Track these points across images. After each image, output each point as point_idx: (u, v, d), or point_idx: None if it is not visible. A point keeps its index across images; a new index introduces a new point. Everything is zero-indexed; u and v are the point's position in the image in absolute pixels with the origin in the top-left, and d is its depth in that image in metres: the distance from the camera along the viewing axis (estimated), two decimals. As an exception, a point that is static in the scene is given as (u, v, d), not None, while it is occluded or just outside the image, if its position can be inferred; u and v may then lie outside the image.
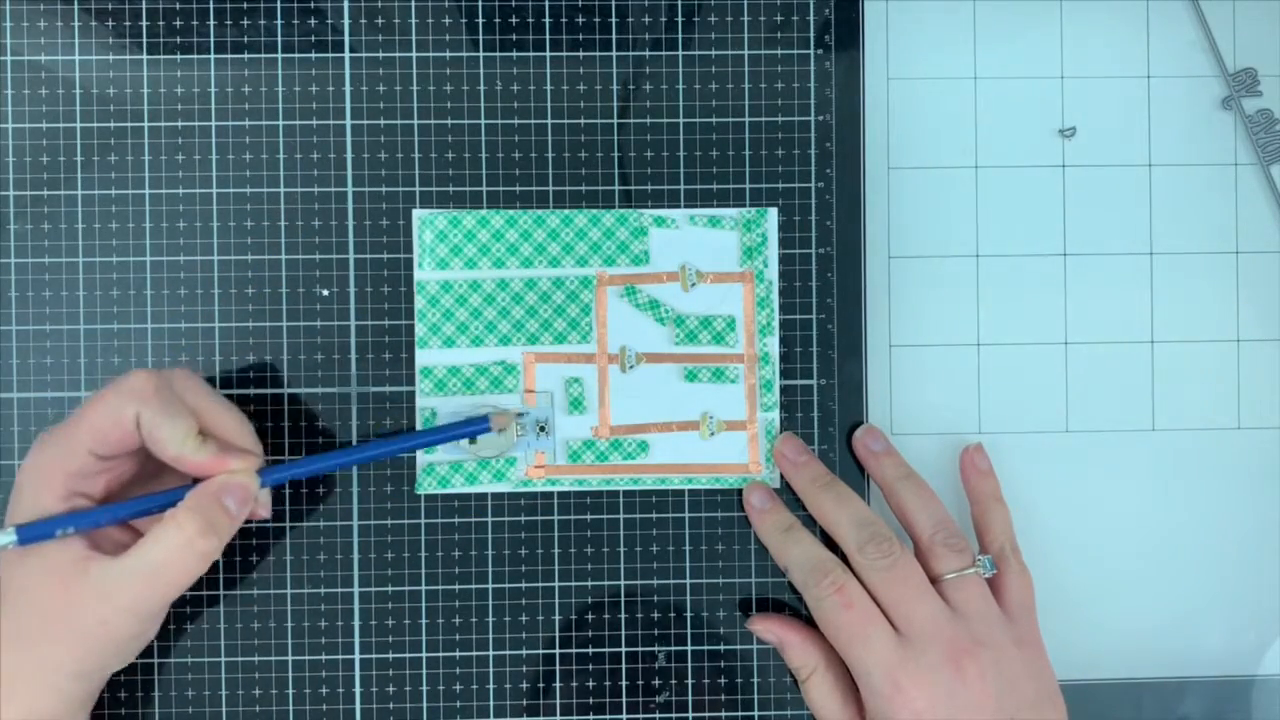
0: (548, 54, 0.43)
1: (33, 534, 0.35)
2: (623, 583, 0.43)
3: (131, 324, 0.42)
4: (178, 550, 0.35)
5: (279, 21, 0.43)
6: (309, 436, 0.42)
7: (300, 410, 0.42)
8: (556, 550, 0.43)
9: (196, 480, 0.37)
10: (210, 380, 0.42)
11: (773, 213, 0.43)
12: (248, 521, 0.38)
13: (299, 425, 0.42)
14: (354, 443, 0.42)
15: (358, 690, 0.42)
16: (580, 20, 0.43)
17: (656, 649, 0.43)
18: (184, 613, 0.42)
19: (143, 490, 0.39)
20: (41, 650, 0.35)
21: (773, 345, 0.43)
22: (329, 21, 0.43)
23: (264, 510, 0.38)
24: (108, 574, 0.35)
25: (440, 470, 0.42)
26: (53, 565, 0.35)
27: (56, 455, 0.36)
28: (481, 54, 0.43)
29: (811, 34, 0.43)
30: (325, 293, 0.42)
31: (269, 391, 0.42)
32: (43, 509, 0.36)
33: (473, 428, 0.40)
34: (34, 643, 0.35)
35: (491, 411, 0.41)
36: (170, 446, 0.36)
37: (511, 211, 0.43)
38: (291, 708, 0.42)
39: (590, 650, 0.43)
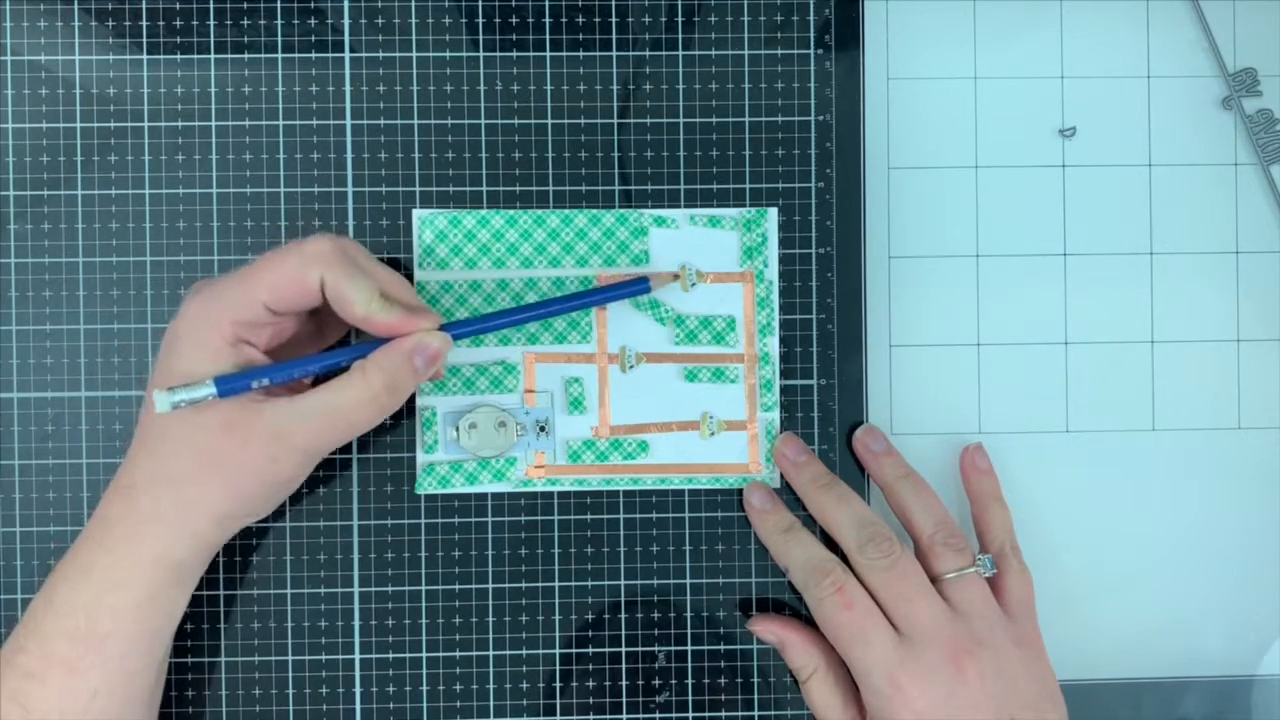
0: (548, 54, 0.43)
1: (230, 386, 0.36)
2: (623, 583, 0.43)
3: (131, 324, 0.42)
4: (361, 402, 0.36)
5: (279, 21, 0.43)
6: (309, 436, 0.42)
7: (300, 410, 0.42)
8: (556, 550, 0.43)
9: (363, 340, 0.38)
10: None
11: (773, 213, 0.43)
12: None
13: (299, 425, 0.42)
14: (354, 443, 0.42)
15: (358, 690, 0.42)
16: (580, 20, 0.43)
17: (656, 649, 0.43)
18: (184, 613, 0.42)
19: (304, 345, 0.40)
20: (188, 492, 0.36)
21: (773, 345, 0.43)
22: (329, 21, 0.43)
23: (444, 370, 0.40)
24: (284, 414, 0.36)
25: (440, 470, 0.42)
26: (220, 408, 0.36)
27: (227, 305, 0.36)
28: (481, 54, 0.43)
29: (811, 34, 0.43)
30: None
31: (269, 391, 0.42)
32: (210, 355, 0.36)
33: (634, 288, 0.41)
34: (181, 484, 0.36)
35: (651, 272, 0.42)
36: (358, 308, 0.36)
37: (511, 211, 0.43)
38: (291, 708, 0.42)
39: (590, 650, 0.43)
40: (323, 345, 0.41)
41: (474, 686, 0.42)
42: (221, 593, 0.42)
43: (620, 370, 0.43)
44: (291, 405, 0.36)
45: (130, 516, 0.36)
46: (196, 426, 0.36)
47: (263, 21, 0.43)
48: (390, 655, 0.42)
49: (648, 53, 0.43)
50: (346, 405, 0.36)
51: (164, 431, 0.36)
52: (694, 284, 0.43)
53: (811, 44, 0.43)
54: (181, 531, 0.37)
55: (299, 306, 0.37)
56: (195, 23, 0.42)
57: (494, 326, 0.40)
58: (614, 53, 0.43)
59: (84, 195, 0.42)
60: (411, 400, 0.42)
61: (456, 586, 0.42)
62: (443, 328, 0.38)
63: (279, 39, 0.43)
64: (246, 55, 0.42)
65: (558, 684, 0.42)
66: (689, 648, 0.43)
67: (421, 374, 0.37)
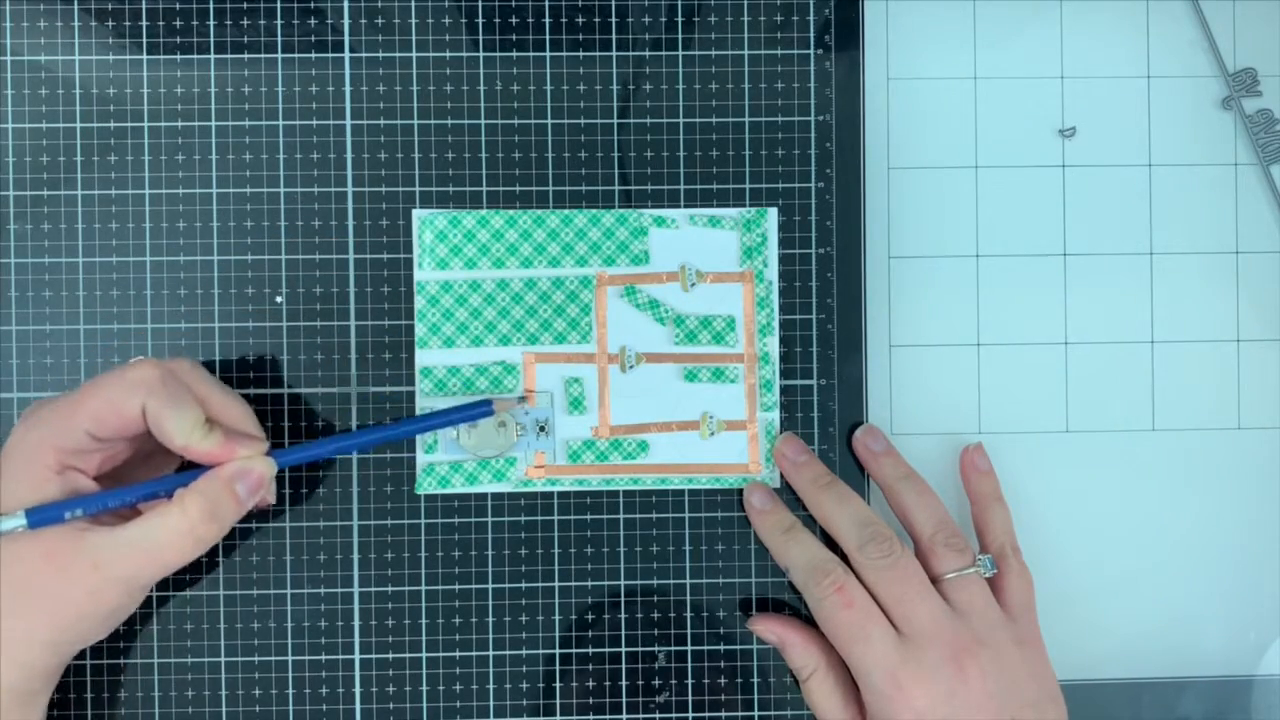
0: (548, 54, 0.43)
1: (42, 517, 0.35)
2: (623, 583, 0.43)
3: (131, 324, 0.42)
4: (179, 534, 0.35)
5: (279, 21, 0.43)
6: (309, 437, 0.42)
7: (300, 410, 0.42)
8: (556, 550, 0.43)
9: (196, 465, 0.37)
10: (210, 380, 0.42)
11: (773, 213, 0.43)
12: (251, 512, 0.38)
13: (299, 425, 0.42)
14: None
15: (358, 690, 0.42)
16: (580, 20, 0.43)
17: (656, 649, 0.43)
18: (184, 613, 0.42)
19: (139, 467, 0.39)
20: (13, 622, 0.35)
21: (773, 345, 0.43)
22: (329, 21, 0.43)
23: (271, 496, 0.39)
24: (104, 545, 0.35)
25: (440, 470, 0.42)
26: (44, 536, 0.35)
27: (50, 434, 0.36)
28: (481, 54, 0.43)
29: (811, 34, 0.43)
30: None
31: (269, 391, 0.42)
32: (33, 483, 0.35)
33: (476, 411, 0.40)
34: (8, 614, 0.35)
35: (495, 396, 0.41)
36: (178, 437, 0.36)
37: (511, 211, 0.43)
38: (291, 708, 0.42)
39: (590, 650, 0.43)
40: (165, 465, 0.40)
41: (474, 686, 0.42)
42: (221, 593, 0.42)
43: (620, 370, 0.43)
44: (111, 536, 0.35)
45: None
46: (16, 557, 0.35)
47: (263, 21, 0.43)
48: (390, 655, 0.42)
49: (648, 53, 0.43)
50: (163, 537, 0.35)
51: None
52: (694, 284, 0.43)
53: (811, 44, 0.43)
54: (10, 661, 0.35)
55: (123, 434, 0.36)
56: (195, 23, 0.42)
57: (326, 454, 0.39)
58: (614, 53, 0.43)
59: (84, 195, 0.42)
60: (411, 401, 0.42)
61: (456, 586, 0.42)
62: (270, 453, 0.37)
63: (279, 39, 0.43)
64: (246, 55, 0.42)
65: (557, 684, 0.42)
66: (689, 648, 0.43)
67: (244, 502, 0.36)
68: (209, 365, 0.42)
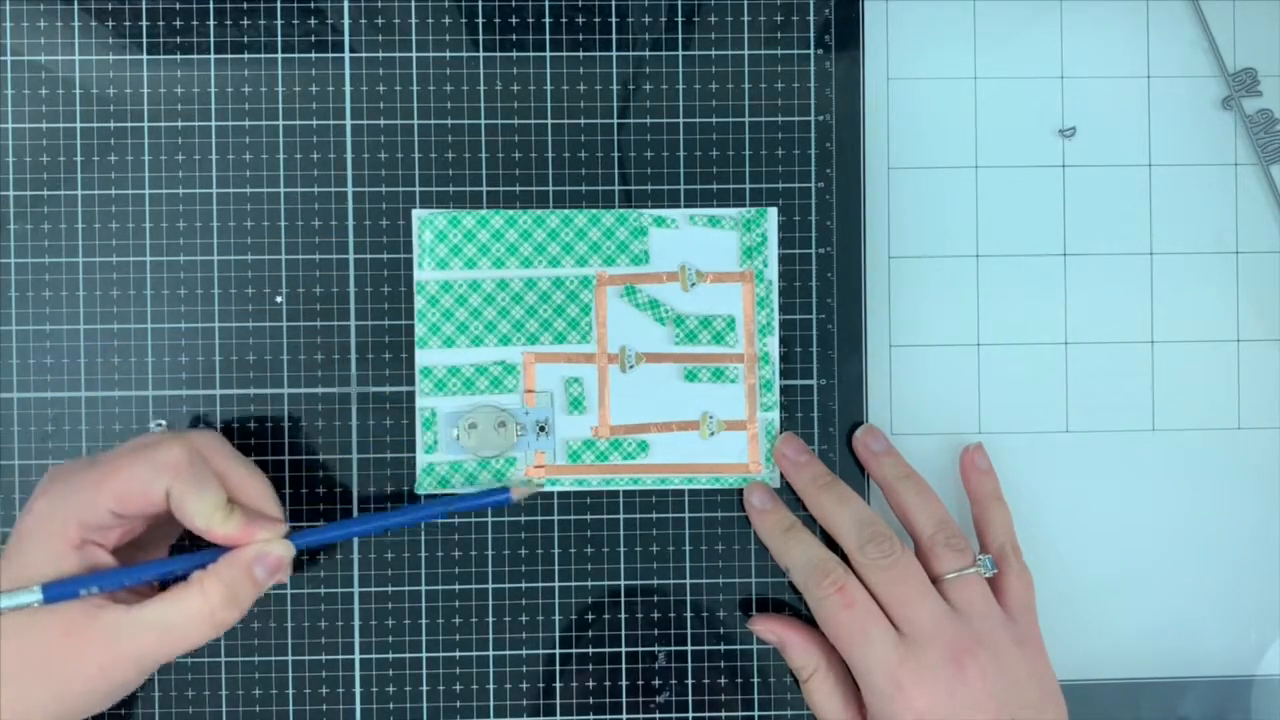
0: (548, 54, 0.43)
1: (58, 593, 0.34)
2: (623, 583, 0.43)
3: (131, 324, 0.42)
4: (197, 617, 0.35)
5: (279, 21, 0.43)
6: (309, 436, 0.42)
7: (300, 410, 0.42)
8: (556, 550, 0.43)
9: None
10: (211, 381, 0.42)
11: (772, 212, 0.43)
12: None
13: (299, 425, 0.42)
14: (354, 444, 0.42)
15: (358, 690, 0.42)
16: (580, 20, 0.43)
17: (656, 649, 0.43)
18: None
19: (158, 543, 0.39)
20: (18, 692, 0.35)
21: (773, 345, 0.43)
22: (329, 21, 0.43)
23: (286, 575, 0.38)
24: (120, 623, 0.35)
25: (440, 470, 0.42)
26: (60, 611, 0.35)
27: (73, 507, 0.35)
28: (481, 54, 0.43)
29: (811, 34, 0.43)
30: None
31: (269, 391, 0.42)
32: (53, 557, 0.35)
33: (494, 498, 0.40)
34: (13, 682, 0.35)
35: (511, 483, 0.41)
36: (199, 519, 0.35)
37: (511, 211, 0.43)
38: (291, 708, 0.42)
39: (590, 650, 0.43)
40: (177, 534, 0.40)
41: (474, 686, 0.42)
42: (221, 593, 0.42)
43: (620, 370, 0.43)
44: (127, 615, 0.35)
45: None
46: (30, 628, 0.35)
47: (263, 21, 0.43)
48: (390, 655, 0.42)
49: (648, 53, 0.43)
50: (180, 620, 0.35)
51: (11, 623, 0.35)
52: (694, 284, 0.43)
53: (811, 44, 0.43)
54: None
55: (145, 514, 0.36)
56: (195, 23, 0.42)
57: (344, 536, 0.39)
58: (614, 53, 0.43)
59: (84, 195, 0.42)
60: (411, 401, 0.42)
61: (456, 586, 0.42)
62: (290, 536, 0.37)
63: (279, 39, 0.43)
64: (246, 55, 0.42)
65: (557, 684, 0.42)
66: (689, 648, 0.43)
67: (263, 584, 0.36)
68: (209, 365, 0.42)
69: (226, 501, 0.36)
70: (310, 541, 0.38)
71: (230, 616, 0.36)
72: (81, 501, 0.35)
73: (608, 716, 0.42)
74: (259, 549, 0.36)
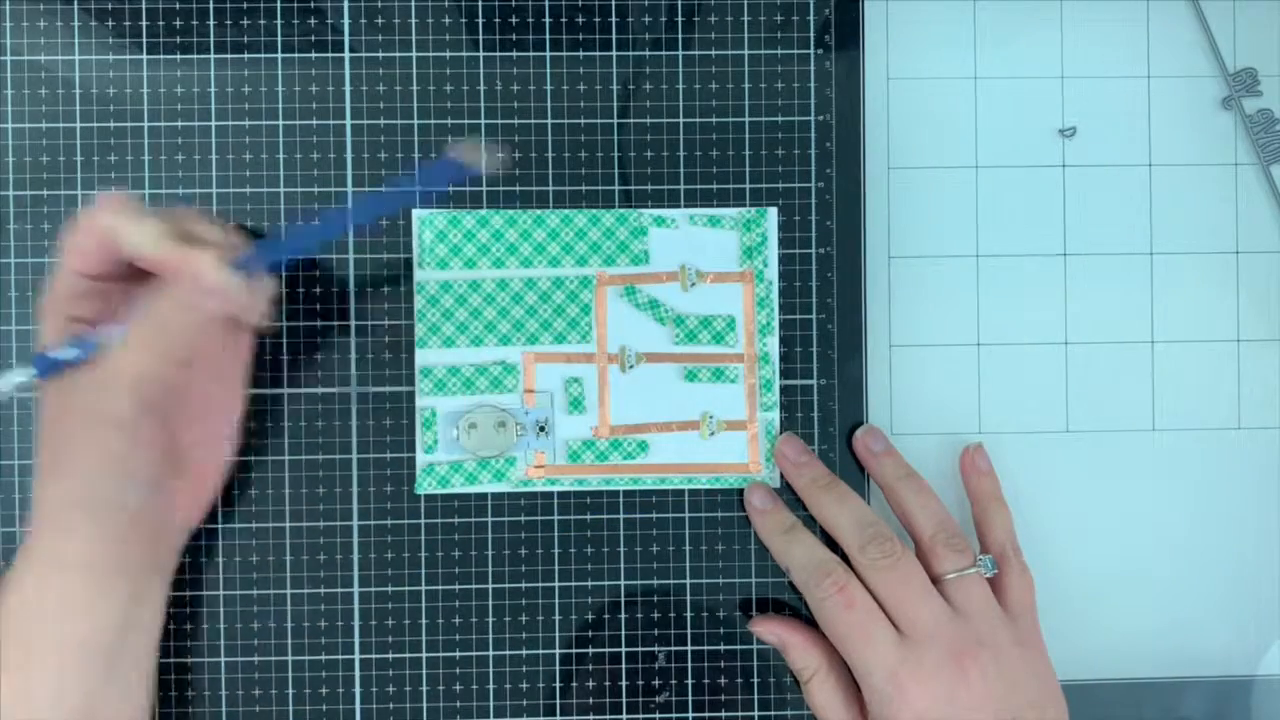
0: (548, 54, 0.43)
1: (44, 365, 0.37)
2: (623, 583, 0.43)
3: (131, 324, 0.42)
4: (175, 309, 0.37)
5: (279, 21, 0.43)
6: (309, 436, 0.42)
7: (300, 410, 0.42)
8: (556, 550, 0.43)
9: None
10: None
11: (772, 212, 0.43)
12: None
13: (299, 425, 0.42)
14: (354, 444, 0.42)
15: (358, 690, 0.42)
16: (580, 20, 0.43)
17: (656, 649, 0.43)
18: (184, 613, 0.42)
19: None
20: (62, 479, 0.37)
21: (773, 345, 0.43)
22: (329, 21, 0.43)
23: (257, 301, 0.37)
24: (93, 379, 0.37)
25: (440, 470, 0.42)
26: (57, 388, 0.37)
27: (48, 291, 0.38)
28: (481, 54, 0.43)
29: (811, 34, 0.43)
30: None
31: (269, 391, 0.42)
32: (54, 337, 0.38)
33: (445, 171, 0.39)
34: (56, 474, 0.37)
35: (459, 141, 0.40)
36: (134, 244, 0.36)
37: (511, 211, 0.43)
38: (291, 708, 0.42)
39: (590, 650, 0.42)
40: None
41: (474, 686, 0.42)
42: (221, 593, 0.42)
43: (620, 370, 0.43)
44: (100, 367, 0.37)
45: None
46: (53, 407, 0.38)
47: (263, 21, 0.43)
48: (390, 655, 0.42)
49: (648, 53, 0.43)
50: (164, 308, 0.37)
51: (44, 416, 0.38)
52: (694, 284, 0.43)
53: (811, 44, 0.43)
54: (77, 517, 0.36)
55: (104, 260, 0.37)
56: (195, 23, 0.42)
57: (299, 246, 0.39)
58: (614, 53, 0.43)
59: (84, 195, 0.42)
60: (411, 401, 0.42)
61: (456, 586, 0.42)
62: (244, 258, 0.37)
63: (279, 39, 0.43)
64: (246, 55, 0.42)
65: (558, 684, 0.42)
66: (689, 648, 0.43)
67: (209, 291, 0.36)
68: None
69: (168, 233, 0.37)
70: (265, 257, 0.37)
71: (181, 317, 0.37)
72: (56, 279, 0.38)
73: (608, 716, 0.42)
74: (195, 267, 0.36)
